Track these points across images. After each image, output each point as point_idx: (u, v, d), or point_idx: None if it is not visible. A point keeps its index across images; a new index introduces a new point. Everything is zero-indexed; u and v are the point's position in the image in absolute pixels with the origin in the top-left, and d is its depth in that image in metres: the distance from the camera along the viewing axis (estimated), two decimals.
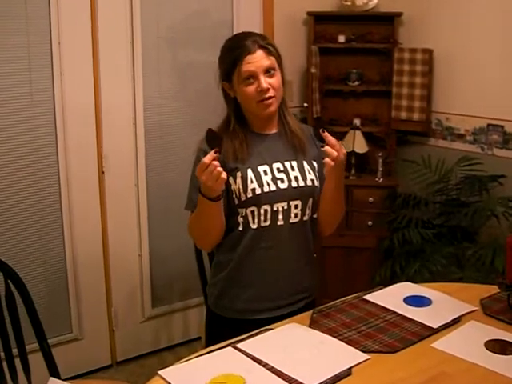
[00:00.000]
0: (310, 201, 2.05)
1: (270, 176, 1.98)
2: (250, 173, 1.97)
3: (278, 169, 2.01)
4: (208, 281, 2.23)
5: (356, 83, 3.79)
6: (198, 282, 2.52)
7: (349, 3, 3.77)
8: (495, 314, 2.01)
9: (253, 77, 1.91)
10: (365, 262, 3.60)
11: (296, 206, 2.02)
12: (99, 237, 3.24)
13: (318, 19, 3.76)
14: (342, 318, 2.01)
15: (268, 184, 1.97)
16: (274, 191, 1.97)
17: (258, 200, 1.96)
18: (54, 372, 2.14)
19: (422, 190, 3.61)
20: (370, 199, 3.65)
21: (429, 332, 1.91)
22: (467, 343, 1.85)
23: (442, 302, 2.13)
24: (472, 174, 3.45)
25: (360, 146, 3.70)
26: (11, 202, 2.97)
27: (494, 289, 2.16)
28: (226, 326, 2.04)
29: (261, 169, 1.98)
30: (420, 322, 1.97)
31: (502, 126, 3.44)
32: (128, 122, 3.25)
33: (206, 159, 1.77)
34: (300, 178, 2.01)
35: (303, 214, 2.04)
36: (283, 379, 1.66)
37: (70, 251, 3.15)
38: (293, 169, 2.02)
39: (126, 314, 3.42)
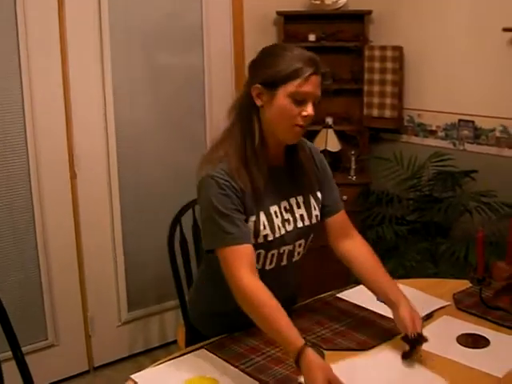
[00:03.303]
0: (312, 235, 1.96)
1: (280, 218, 1.83)
2: (262, 216, 1.79)
3: (285, 208, 1.86)
4: (190, 291, 2.17)
5: (327, 82, 3.79)
6: (174, 285, 2.50)
7: (318, 2, 3.77)
8: (467, 308, 2.03)
9: (304, 100, 1.71)
10: (340, 261, 3.58)
11: (300, 245, 1.91)
12: (73, 241, 3.21)
13: (287, 19, 3.76)
14: (315, 317, 2.01)
15: (279, 228, 1.82)
16: (282, 235, 1.83)
17: (268, 246, 1.81)
18: (28, 381, 2.10)
19: (395, 186, 3.62)
20: (344, 197, 3.63)
21: None
22: (440, 338, 1.86)
23: (414, 298, 2.11)
24: (444, 169, 3.47)
25: (333, 144, 3.71)
26: None
27: (466, 283, 2.17)
28: (203, 339, 1.95)
29: (272, 210, 1.82)
30: (393, 319, 1.97)
31: (473, 122, 3.46)
32: (99, 125, 3.22)
33: None
34: (306, 216, 1.89)
35: (304, 250, 1.96)
36: (257, 380, 1.66)
37: (43, 257, 3.12)
38: (298, 206, 1.88)
39: (102, 318, 3.38)
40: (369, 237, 3.39)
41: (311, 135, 3.75)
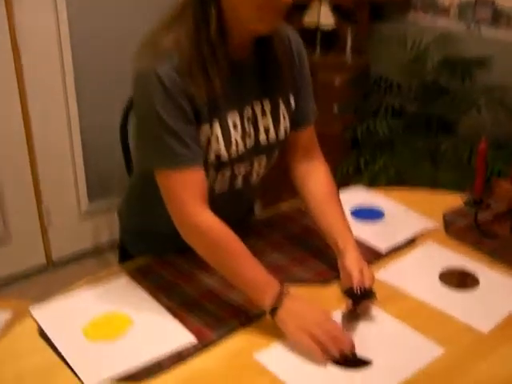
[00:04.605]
0: (276, 153, 1.53)
1: (239, 130, 1.39)
2: (216, 128, 1.35)
3: (247, 117, 1.42)
4: (120, 202, 1.74)
5: None
6: None
7: None
8: (458, 234, 1.65)
9: None
10: (328, 153, 3.18)
11: (259, 164, 1.50)
12: (20, 123, 2.81)
13: None
14: (273, 235, 1.66)
15: (236, 144, 1.39)
16: (240, 154, 1.41)
17: (220, 166, 1.40)
18: None
19: (396, 72, 3.15)
20: (337, 81, 3.19)
21: (374, 256, 1.56)
22: (419, 273, 1.51)
23: (396, 216, 1.77)
24: (454, 55, 2.99)
25: (326, 20, 3.19)
26: None
27: (461, 198, 1.78)
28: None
29: (230, 119, 1.38)
30: (366, 244, 1.60)
31: (493, 1, 2.94)
32: None
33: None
34: (271, 128, 1.45)
35: (265, 170, 1.55)
36: (180, 320, 1.33)
37: None
38: (264, 113, 1.44)
39: (60, 209, 3.07)
40: (358, 131, 2.99)
41: (300, 9, 3.24)
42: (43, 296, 1.41)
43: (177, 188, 1.31)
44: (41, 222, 3.02)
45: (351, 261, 1.40)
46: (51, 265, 3.12)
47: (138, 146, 1.41)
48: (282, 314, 1.27)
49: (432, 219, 1.74)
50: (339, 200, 1.53)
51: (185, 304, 1.37)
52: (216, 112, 1.34)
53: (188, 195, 1.31)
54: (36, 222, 3.01)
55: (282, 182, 1.82)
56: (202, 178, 1.33)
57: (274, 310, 1.27)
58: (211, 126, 1.35)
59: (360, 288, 1.34)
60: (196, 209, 1.31)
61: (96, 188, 3.17)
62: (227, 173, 1.43)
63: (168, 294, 1.41)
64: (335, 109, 3.21)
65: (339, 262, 1.44)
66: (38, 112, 2.85)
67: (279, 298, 1.27)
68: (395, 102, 3.12)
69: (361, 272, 1.37)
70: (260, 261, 1.37)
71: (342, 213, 1.51)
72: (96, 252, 3.21)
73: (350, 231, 1.47)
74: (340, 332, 1.25)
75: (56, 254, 3.12)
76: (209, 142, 1.35)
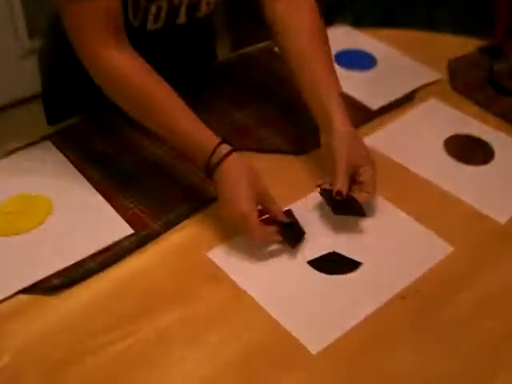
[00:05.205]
0: None
1: None
2: None
3: None
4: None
5: None
6: None
7: None
8: (466, 90, 1.33)
9: None
10: None
11: None
12: None
13: None
14: (235, 87, 1.31)
15: None
16: None
17: None
18: None
19: None
20: None
21: (362, 116, 1.24)
22: (419, 141, 1.21)
23: (391, 65, 1.43)
24: None
25: None
26: None
27: (471, 43, 1.46)
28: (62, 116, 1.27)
29: None
30: (352, 99, 1.27)
31: None
32: None
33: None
34: None
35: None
36: (113, 204, 1.03)
37: None
38: None
39: None
40: None
41: None
42: None
43: (79, 21, 0.96)
44: None
45: (340, 141, 0.99)
46: None
47: None
48: (216, 181, 0.95)
49: (434, 69, 1.40)
50: (329, 55, 1.11)
51: (121, 182, 1.07)
52: None
53: (93, 29, 0.96)
54: None
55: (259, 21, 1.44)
56: (111, 6, 0.96)
57: (208, 170, 0.95)
58: None
59: (340, 193, 0.95)
60: (104, 42, 0.96)
61: (37, 23, 2.74)
62: (163, 2, 1.06)
63: (101, 169, 1.10)
64: None
65: (322, 138, 1.04)
66: None
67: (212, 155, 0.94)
68: None
69: (346, 162, 0.98)
70: (219, 122, 1.09)
71: (333, 73, 1.09)
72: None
73: (339, 97, 1.05)
74: (258, 226, 0.91)
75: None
76: None
